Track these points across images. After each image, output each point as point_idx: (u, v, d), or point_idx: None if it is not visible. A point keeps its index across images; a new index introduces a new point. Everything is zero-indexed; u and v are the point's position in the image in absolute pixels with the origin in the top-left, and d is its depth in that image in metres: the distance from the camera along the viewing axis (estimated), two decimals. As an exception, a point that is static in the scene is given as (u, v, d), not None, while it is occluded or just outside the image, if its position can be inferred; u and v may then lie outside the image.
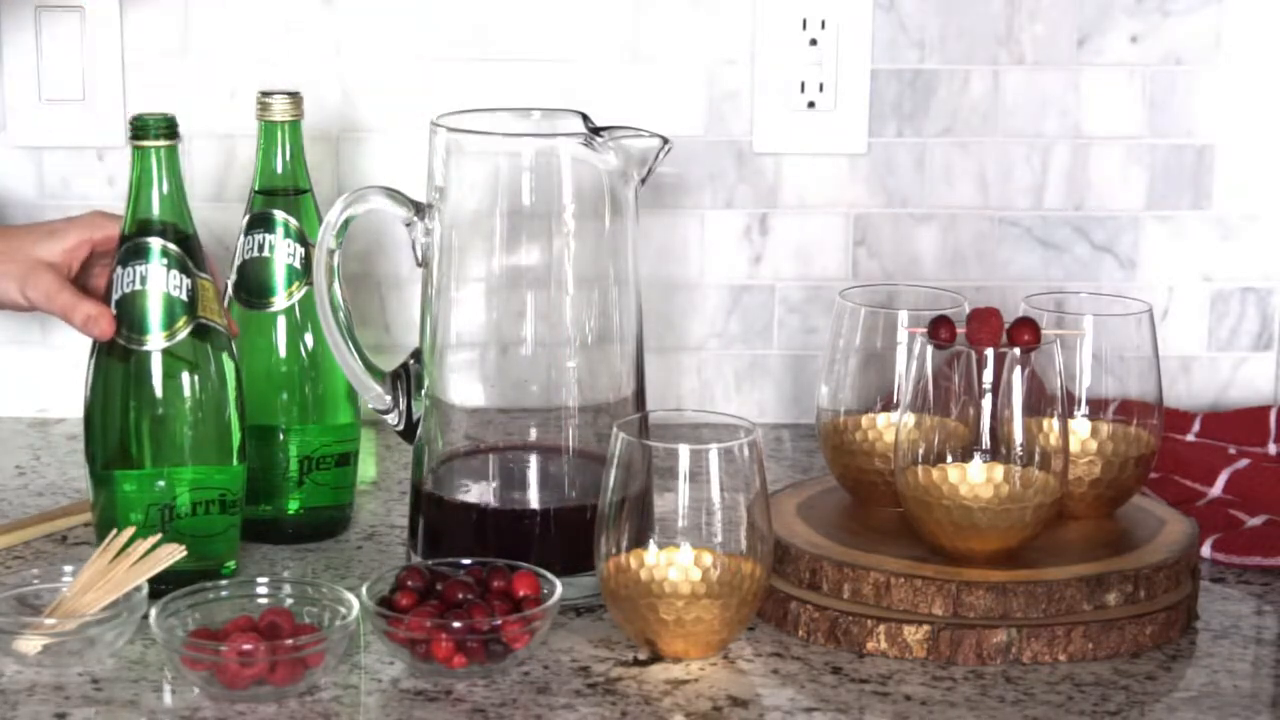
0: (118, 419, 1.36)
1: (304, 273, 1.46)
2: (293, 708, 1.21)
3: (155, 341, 1.35)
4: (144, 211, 1.36)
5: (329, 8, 1.74)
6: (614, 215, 1.38)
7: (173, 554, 1.32)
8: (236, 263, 1.47)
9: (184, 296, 1.36)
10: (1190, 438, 1.71)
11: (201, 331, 1.36)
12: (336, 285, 1.36)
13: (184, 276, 1.36)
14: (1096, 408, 1.44)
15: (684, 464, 1.25)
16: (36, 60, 1.72)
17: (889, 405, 1.44)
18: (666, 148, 1.37)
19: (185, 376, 1.36)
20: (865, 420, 1.45)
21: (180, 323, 1.35)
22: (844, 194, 1.78)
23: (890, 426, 1.42)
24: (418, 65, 1.74)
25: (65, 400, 1.77)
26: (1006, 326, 1.35)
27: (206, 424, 1.37)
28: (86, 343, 1.74)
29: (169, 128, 1.36)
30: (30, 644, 1.25)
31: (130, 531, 1.34)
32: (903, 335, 1.43)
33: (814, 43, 1.74)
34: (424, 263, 1.39)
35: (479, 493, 1.39)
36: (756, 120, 1.76)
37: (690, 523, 1.26)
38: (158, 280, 1.35)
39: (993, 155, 1.77)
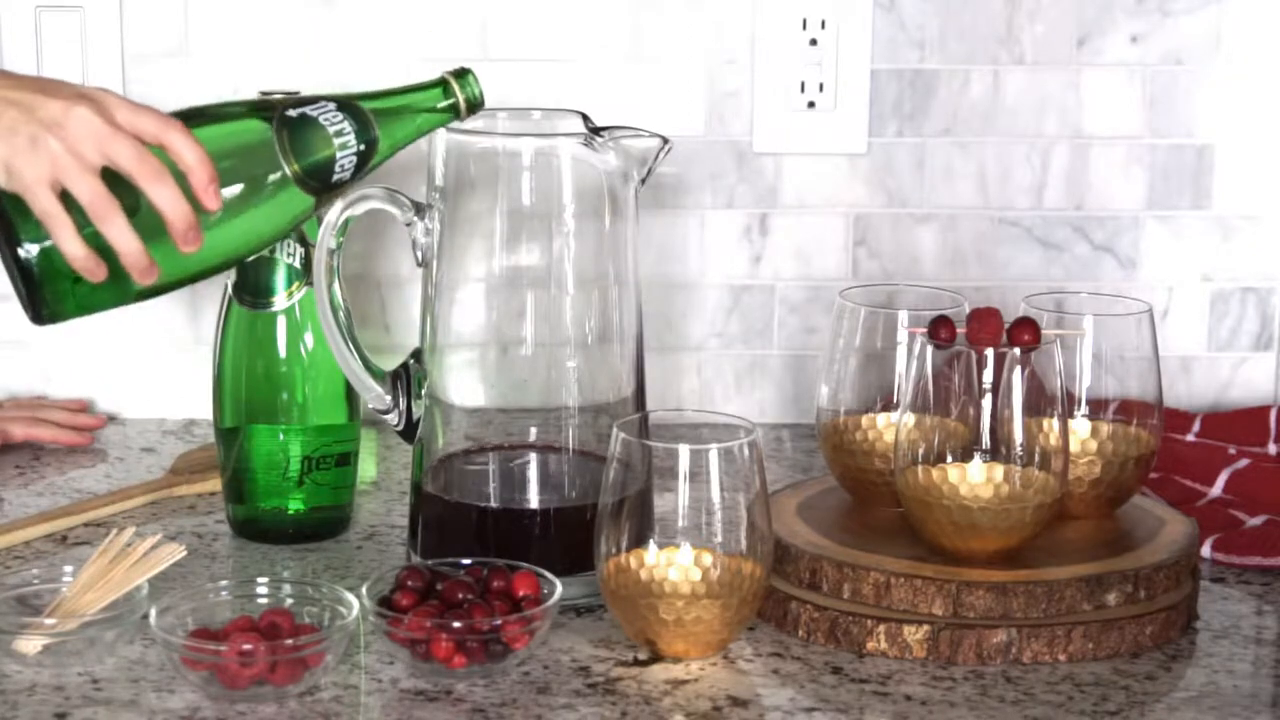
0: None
1: (304, 273, 1.46)
2: (293, 708, 1.21)
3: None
4: None
5: (329, 8, 1.74)
6: (614, 215, 1.38)
7: (173, 554, 1.32)
8: (237, 263, 1.47)
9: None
10: (1190, 438, 1.71)
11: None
12: (336, 285, 1.36)
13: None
14: (1096, 408, 1.44)
15: (684, 464, 1.25)
16: (36, 60, 1.72)
17: (889, 405, 1.44)
18: (666, 148, 1.37)
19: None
20: (865, 420, 1.45)
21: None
22: (844, 194, 1.78)
23: (890, 426, 1.42)
24: (418, 65, 1.74)
25: (64, 399, 1.77)
26: (1006, 326, 1.35)
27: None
28: (71, 343, 1.75)
29: None
30: (30, 644, 1.25)
31: (130, 531, 1.34)
32: (903, 335, 1.43)
33: (814, 43, 1.74)
34: (424, 263, 1.39)
35: (479, 493, 1.39)
36: (756, 120, 1.76)
37: (690, 523, 1.26)
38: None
39: (993, 155, 1.77)
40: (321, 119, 1.34)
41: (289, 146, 1.33)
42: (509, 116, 1.45)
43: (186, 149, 1.28)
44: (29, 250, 1.28)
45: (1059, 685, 1.26)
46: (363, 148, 1.34)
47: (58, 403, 1.74)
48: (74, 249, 1.26)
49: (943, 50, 1.75)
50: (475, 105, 1.37)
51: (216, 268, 1.35)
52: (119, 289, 1.31)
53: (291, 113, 1.34)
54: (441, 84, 1.37)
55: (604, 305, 1.38)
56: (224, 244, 1.33)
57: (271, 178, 1.33)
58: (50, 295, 1.30)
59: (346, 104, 1.35)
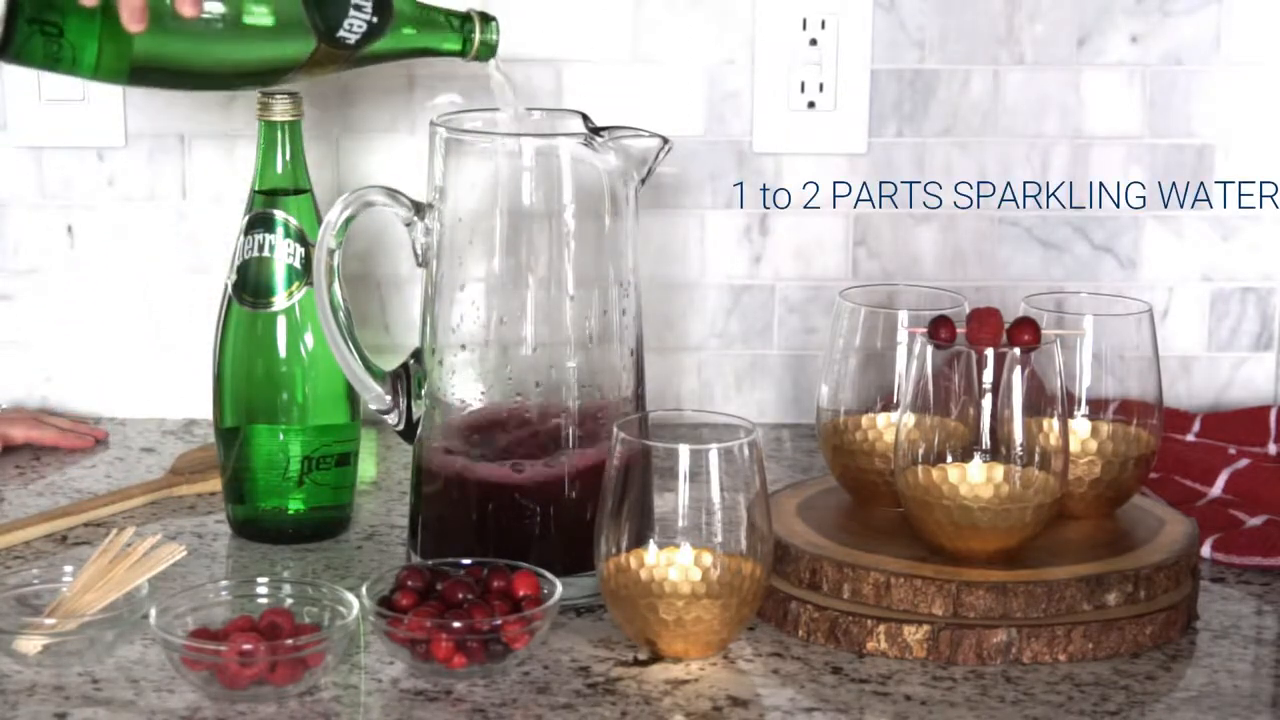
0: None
1: (304, 273, 1.46)
2: (293, 708, 1.21)
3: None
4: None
5: (329, 8, 1.74)
6: (614, 215, 1.38)
7: (173, 554, 1.32)
8: (236, 263, 1.47)
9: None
10: (1190, 438, 1.71)
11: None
12: (336, 285, 1.36)
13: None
14: (1096, 408, 1.44)
15: (684, 464, 1.25)
16: (36, 60, 1.72)
17: (889, 405, 1.44)
18: (666, 148, 1.37)
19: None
20: (865, 420, 1.45)
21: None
22: (844, 194, 1.78)
23: (890, 426, 1.42)
24: (418, 65, 1.74)
25: (64, 399, 1.77)
26: (1006, 326, 1.35)
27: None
28: (71, 344, 1.76)
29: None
30: (30, 644, 1.26)
31: (130, 531, 1.34)
32: (903, 335, 1.43)
33: (814, 43, 1.74)
34: (424, 263, 1.39)
35: (479, 492, 1.39)
36: (756, 120, 1.76)
37: (690, 523, 1.26)
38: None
39: (993, 155, 1.77)
40: None
41: None
42: (509, 116, 1.45)
43: None
44: None
45: (1059, 685, 1.26)
46: (375, 21, 1.36)
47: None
48: None
49: (943, 50, 1.75)
50: (486, 53, 1.40)
51: (186, 69, 1.35)
52: (91, 49, 1.31)
53: None
54: (465, 18, 1.39)
55: (604, 305, 1.38)
56: (206, 48, 1.34)
57: (284, 1, 1.35)
58: (26, 32, 1.29)
59: None
